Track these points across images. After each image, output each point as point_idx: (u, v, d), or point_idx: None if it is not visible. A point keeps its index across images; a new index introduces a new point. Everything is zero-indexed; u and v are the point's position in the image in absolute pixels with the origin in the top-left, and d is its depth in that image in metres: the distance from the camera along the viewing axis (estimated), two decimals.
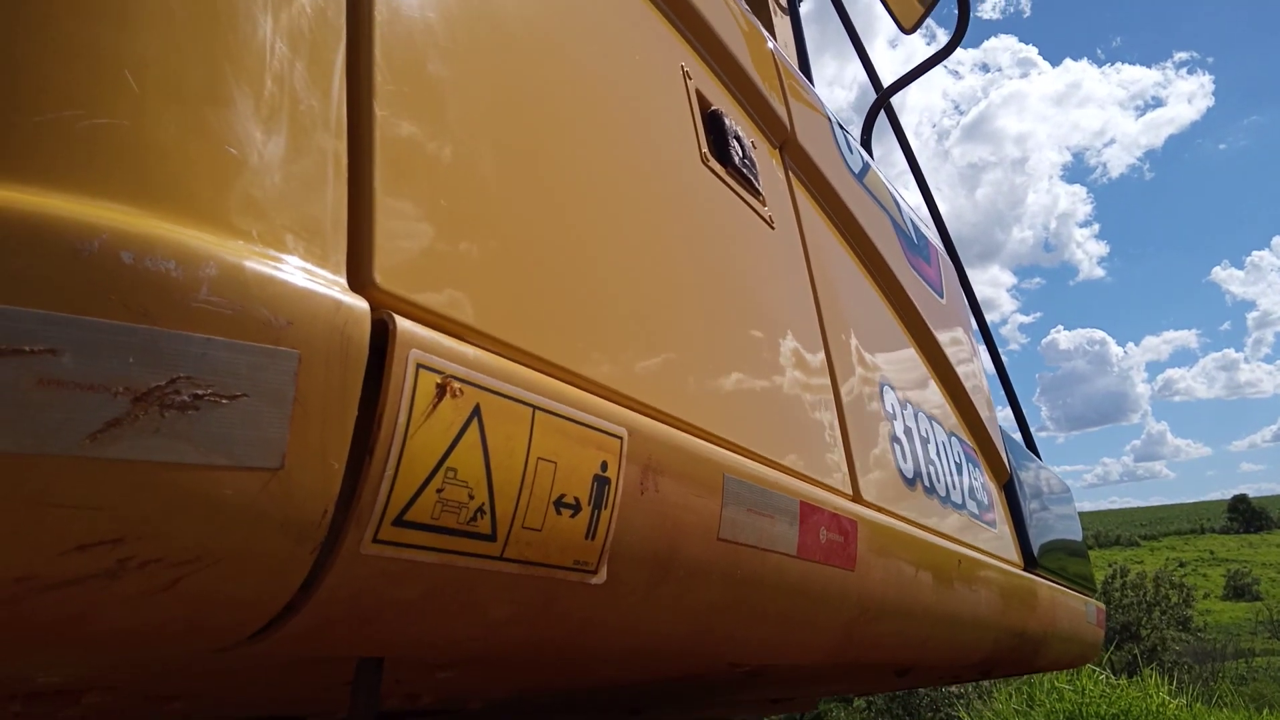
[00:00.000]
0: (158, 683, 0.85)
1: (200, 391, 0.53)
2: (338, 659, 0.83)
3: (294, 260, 0.61)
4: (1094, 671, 10.61)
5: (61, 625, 0.52)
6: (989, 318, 3.39)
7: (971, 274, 3.11)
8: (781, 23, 2.95)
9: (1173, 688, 10.74)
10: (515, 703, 1.77)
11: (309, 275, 0.61)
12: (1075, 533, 3.32)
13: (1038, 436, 3.48)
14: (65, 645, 0.54)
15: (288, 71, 0.65)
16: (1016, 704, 11.05)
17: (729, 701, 2.59)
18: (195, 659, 0.72)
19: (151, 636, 0.57)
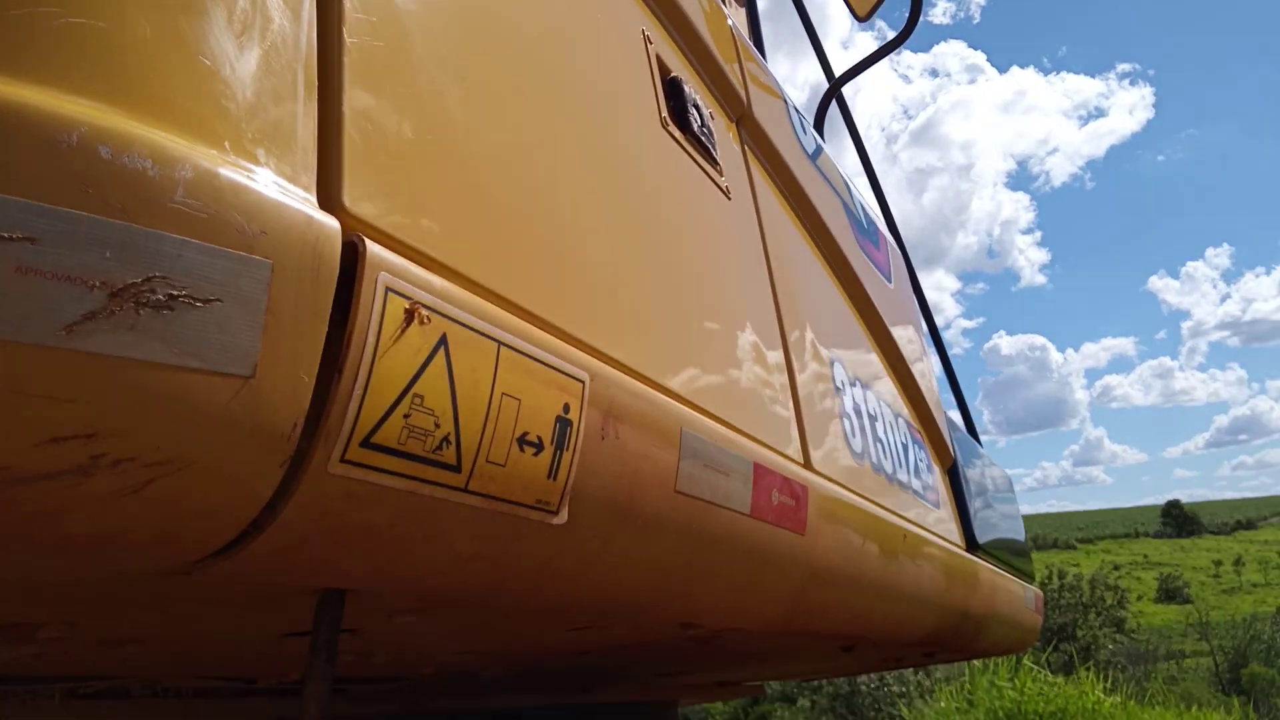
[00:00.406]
0: (114, 621, 0.85)
1: (175, 292, 0.53)
2: (296, 598, 0.83)
3: (265, 174, 0.61)
4: (1033, 670, 10.83)
5: (35, 523, 0.52)
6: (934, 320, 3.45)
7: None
8: (736, 13, 2.99)
9: (1107, 686, 11.00)
10: (467, 678, 1.77)
11: (281, 190, 0.61)
12: (1016, 521, 3.40)
13: (980, 440, 3.57)
14: (37, 549, 0.54)
15: None
16: (958, 702, 11.23)
17: (678, 683, 2.61)
18: (160, 586, 0.71)
19: (121, 545, 0.57)
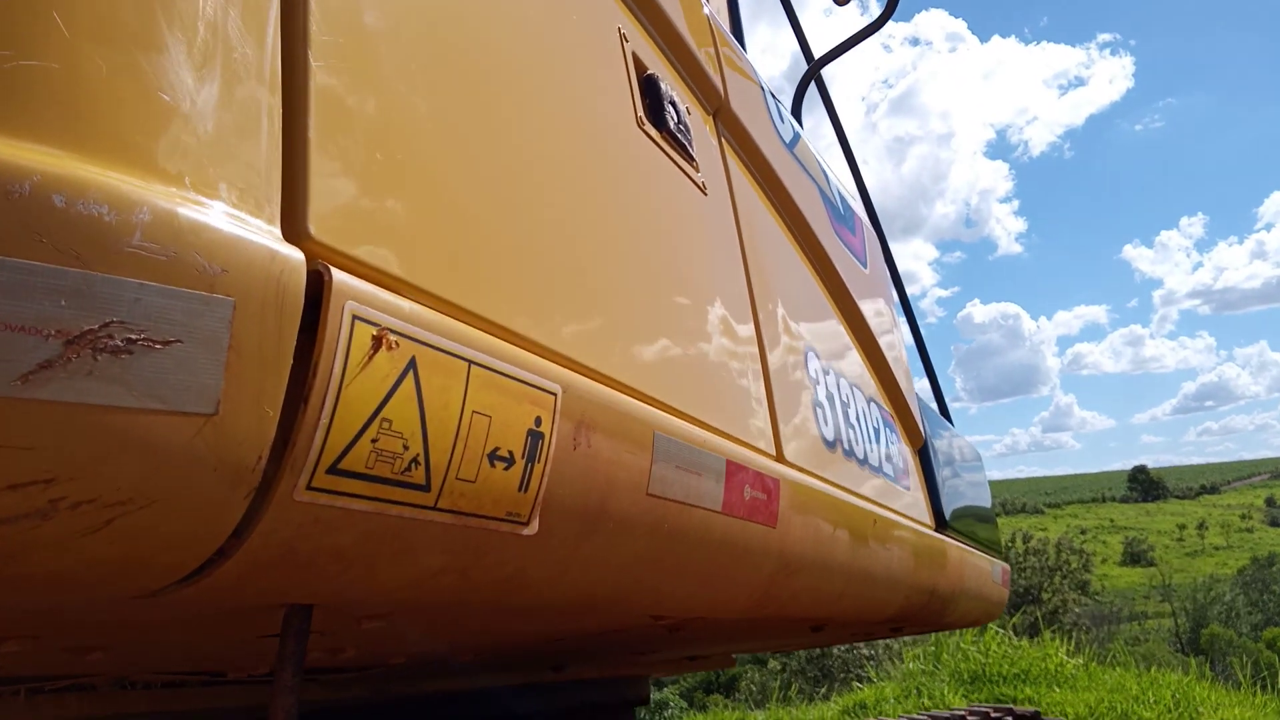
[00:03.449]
0: (79, 632, 0.84)
1: (134, 336, 0.52)
2: (265, 609, 0.83)
3: (227, 209, 0.60)
4: (997, 633, 11.04)
5: None
6: (910, 290, 3.48)
7: (894, 247, 3.18)
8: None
9: (1070, 648, 11.24)
10: (439, 661, 1.79)
11: (243, 224, 0.60)
12: (985, 497, 3.45)
13: (952, 407, 3.60)
14: None
15: (221, 18, 0.64)
16: (924, 664, 11.42)
17: (649, 660, 2.64)
18: (125, 605, 0.71)
19: (82, 579, 0.57)
